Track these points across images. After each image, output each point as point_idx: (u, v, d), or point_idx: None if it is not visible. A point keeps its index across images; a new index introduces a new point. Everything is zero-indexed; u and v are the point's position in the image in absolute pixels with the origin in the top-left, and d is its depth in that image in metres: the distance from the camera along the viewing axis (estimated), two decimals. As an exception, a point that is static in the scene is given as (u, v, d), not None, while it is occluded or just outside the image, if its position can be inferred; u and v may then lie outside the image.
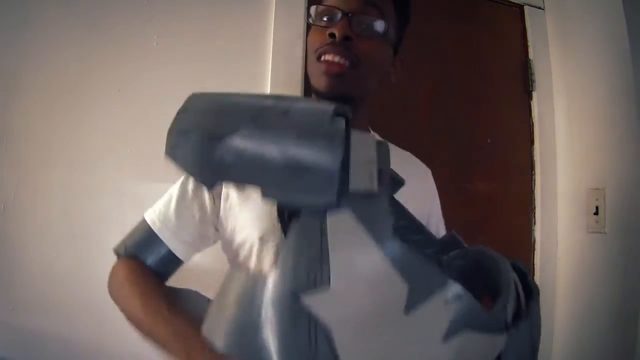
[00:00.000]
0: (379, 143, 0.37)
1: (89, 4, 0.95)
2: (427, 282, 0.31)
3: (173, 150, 0.32)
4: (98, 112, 0.94)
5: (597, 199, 1.13)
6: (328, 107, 0.33)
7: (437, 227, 0.77)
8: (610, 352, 1.05)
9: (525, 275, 0.42)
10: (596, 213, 1.13)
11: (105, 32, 0.95)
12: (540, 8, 1.36)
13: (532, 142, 1.31)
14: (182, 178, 0.69)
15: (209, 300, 0.45)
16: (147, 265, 0.63)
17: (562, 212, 1.28)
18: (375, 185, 0.31)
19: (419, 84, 1.22)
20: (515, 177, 1.29)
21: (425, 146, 1.18)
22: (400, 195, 0.70)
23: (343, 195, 0.30)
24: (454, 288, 0.30)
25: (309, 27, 0.71)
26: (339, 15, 0.63)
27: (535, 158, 1.30)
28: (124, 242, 0.66)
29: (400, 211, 0.51)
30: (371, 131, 0.78)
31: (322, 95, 0.65)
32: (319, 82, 0.64)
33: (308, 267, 0.30)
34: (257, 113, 0.32)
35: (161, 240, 0.64)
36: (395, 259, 0.30)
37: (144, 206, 0.92)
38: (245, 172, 0.30)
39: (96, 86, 0.94)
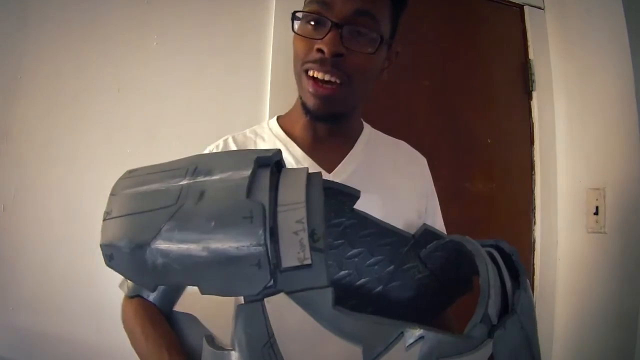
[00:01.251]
0: (310, 182, 0.36)
1: (88, 4, 0.95)
2: (380, 336, 0.30)
3: (111, 262, 0.31)
4: (98, 112, 0.94)
5: (597, 199, 1.13)
6: (244, 177, 0.32)
7: (434, 214, 0.75)
8: (610, 352, 1.05)
9: (510, 256, 0.42)
10: (596, 213, 1.13)
11: (105, 32, 0.95)
12: (540, 8, 1.36)
13: (532, 142, 1.31)
14: None
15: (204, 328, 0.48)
16: (149, 301, 0.57)
17: (562, 212, 1.28)
18: (308, 256, 0.30)
19: (419, 84, 1.22)
20: (515, 177, 1.29)
21: (425, 146, 1.18)
22: (394, 178, 0.71)
23: (277, 273, 0.30)
24: (413, 332, 0.30)
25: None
26: (328, 25, 0.55)
27: (535, 158, 1.30)
28: (125, 282, 0.60)
29: (365, 222, 0.51)
30: (364, 124, 0.76)
31: (311, 113, 0.61)
32: (308, 99, 0.59)
33: (261, 352, 0.30)
34: (174, 208, 0.31)
35: None
36: (339, 328, 0.30)
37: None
38: (179, 273, 0.30)
39: (96, 86, 0.94)
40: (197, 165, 0.35)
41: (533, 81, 1.31)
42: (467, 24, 1.30)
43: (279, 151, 0.39)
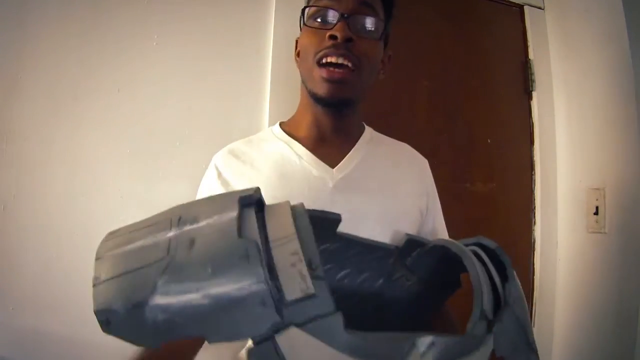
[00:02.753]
0: (295, 213, 0.36)
1: (88, 4, 0.95)
2: (395, 350, 0.31)
3: (108, 327, 0.30)
4: (98, 112, 0.94)
5: (597, 199, 1.13)
6: (232, 218, 0.32)
7: (435, 214, 0.76)
8: (610, 352, 1.05)
9: (495, 252, 0.42)
10: (596, 213, 1.13)
11: (105, 32, 0.95)
12: (540, 8, 1.36)
13: (532, 142, 1.31)
14: None
15: None
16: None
17: (562, 212, 1.28)
18: (310, 286, 0.30)
19: (419, 84, 1.22)
20: (515, 177, 1.30)
21: (425, 146, 1.18)
22: (395, 175, 0.72)
23: (283, 308, 0.30)
24: (424, 340, 0.31)
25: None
26: (337, 16, 0.62)
27: (535, 158, 1.30)
28: None
29: (349, 243, 0.52)
30: (365, 127, 0.78)
31: (321, 100, 0.65)
32: (320, 87, 0.64)
33: None
34: (166, 261, 0.30)
35: None
36: (355, 350, 0.30)
37: (143, 206, 0.93)
38: (183, 326, 0.29)
39: (96, 86, 0.94)
40: (181, 215, 0.35)
41: (533, 81, 1.31)
42: (467, 24, 1.30)
43: (258, 189, 0.39)
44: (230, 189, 0.66)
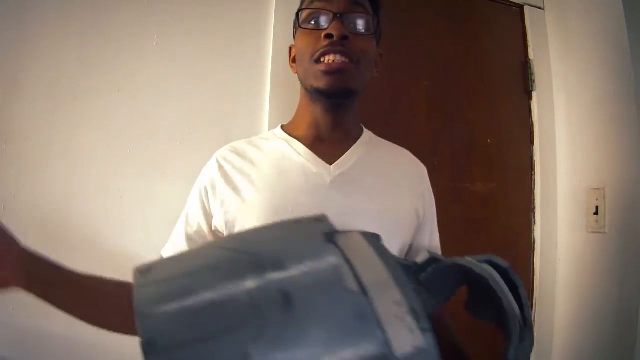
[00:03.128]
0: (378, 249, 0.32)
1: (88, 4, 0.95)
2: None
3: None
4: (98, 112, 0.94)
5: (597, 199, 1.13)
6: (332, 266, 0.27)
7: (432, 221, 0.76)
8: (610, 352, 1.05)
9: (506, 271, 0.41)
10: (596, 213, 1.13)
11: (105, 32, 0.95)
12: (540, 8, 1.36)
13: (532, 142, 1.31)
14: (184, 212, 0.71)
15: None
16: None
17: (562, 212, 1.28)
18: (420, 339, 0.26)
19: (419, 84, 1.22)
20: (515, 177, 1.29)
21: (425, 146, 1.18)
22: (393, 175, 0.71)
23: None
24: None
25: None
26: (330, 16, 0.64)
27: (535, 158, 1.30)
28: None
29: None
30: (364, 130, 0.78)
31: (323, 93, 0.66)
32: (320, 81, 0.65)
33: None
34: (258, 324, 0.24)
35: None
36: None
37: (143, 206, 0.93)
38: None
39: (96, 86, 0.94)
40: (252, 256, 0.28)
41: (533, 81, 1.31)
42: (467, 24, 1.30)
43: (324, 216, 0.34)
44: (229, 183, 0.67)
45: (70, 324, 0.88)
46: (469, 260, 0.41)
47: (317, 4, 0.66)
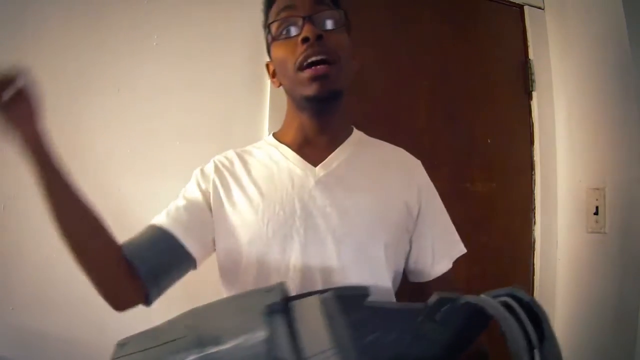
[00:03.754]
0: (326, 312, 0.34)
1: (88, 4, 0.95)
2: None
3: None
4: (98, 112, 0.94)
5: (597, 199, 1.13)
6: (259, 338, 0.30)
7: (435, 213, 0.75)
8: (610, 352, 1.05)
9: (529, 304, 0.39)
10: (596, 213, 1.13)
11: (105, 32, 0.95)
12: (540, 8, 1.36)
13: (532, 142, 1.31)
14: (184, 189, 0.73)
15: None
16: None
17: (562, 212, 1.28)
18: None
19: (419, 84, 1.22)
20: (515, 177, 1.29)
21: (425, 146, 1.18)
22: (380, 172, 0.72)
23: None
24: None
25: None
26: (300, 21, 0.65)
27: (535, 158, 1.30)
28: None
29: (376, 310, 0.48)
30: (354, 130, 0.78)
31: (312, 99, 0.67)
32: (308, 88, 0.66)
33: None
34: None
35: (173, 236, 0.65)
36: None
37: (143, 206, 0.92)
38: None
39: (96, 86, 0.94)
40: (199, 333, 0.32)
41: (533, 81, 1.31)
42: (467, 24, 1.30)
43: (283, 284, 0.37)
44: (225, 184, 0.70)
45: (70, 324, 0.88)
46: (483, 299, 0.40)
47: (283, 14, 0.67)
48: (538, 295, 1.24)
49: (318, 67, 0.64)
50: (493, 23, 1.34)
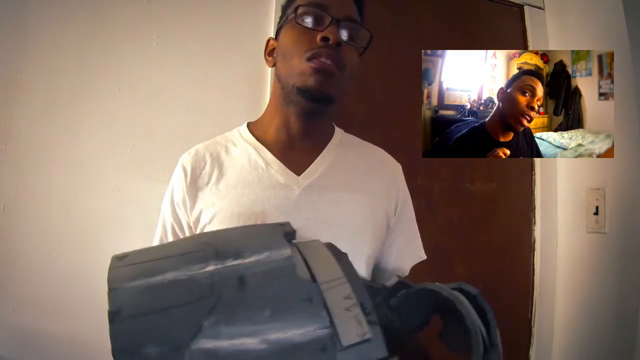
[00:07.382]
0: (335, 254, 0.34)
1: (89, 4, 0.95)
2: None
3: None
4: (98, 112, 0.94)
5: (597, 199, 1.13)
6: (287, 257, 0.30)
7: (408, 221, 0.75)
8: (610, 352, 1.05)
9: (475, 297, 0.41)
10: (596, 213, 1.13)
11: (105, 32, 0.95)
12: (540, 8, 1.36)
13: (532, 142, 1.31)
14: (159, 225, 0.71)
15: None
16: None
17: (562, 212, 1.28)
18: (367, 331, 0.29)
19: (419, 83, 1.22)
20: (515, 177, 1.29)
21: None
22: (363, 179, 0.71)
23: (341, 352, 0.28)
24: None
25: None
26: (328, 20, 0.63)
27: (535, 158, 1.30)
28: None
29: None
30: (336, 129, 0.76)
31: (307, 92, 0.64)
32: (308, 79, 0.63)
33: None
34: (212, 300, 0.27)
35: None
36: None
37: (143, 206, 0.93)
38: None
39: (96, 86, 0.94)
40: (217, 247, 0.31)
41: (533, 81, 1.31)
42: (467, 24, 1.30)
43: (288, 224, 0.37)
44: (198, 193, 0.67)
45: (70, 324, 0.88)
46: (438, 285, 0.42)
47: (314, 6, 0.65)
48: (538, 295, 1.24)
49: (327, 62, 0.62)
50: (493, 23, 1.33)
